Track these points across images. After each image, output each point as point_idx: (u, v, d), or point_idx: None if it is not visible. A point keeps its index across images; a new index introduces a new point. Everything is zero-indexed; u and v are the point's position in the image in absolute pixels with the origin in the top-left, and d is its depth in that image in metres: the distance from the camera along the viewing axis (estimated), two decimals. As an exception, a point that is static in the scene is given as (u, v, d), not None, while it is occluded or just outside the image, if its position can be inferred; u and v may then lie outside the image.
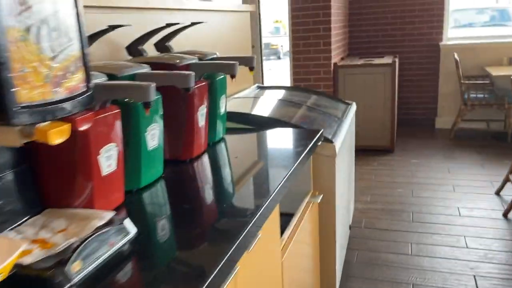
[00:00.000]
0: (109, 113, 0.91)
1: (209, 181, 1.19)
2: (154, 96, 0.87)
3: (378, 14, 5.03)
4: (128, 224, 0.83)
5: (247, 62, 1.45)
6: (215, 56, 1.48)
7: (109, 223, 0.82)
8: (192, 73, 1.04)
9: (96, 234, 0.76)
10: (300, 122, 1.89)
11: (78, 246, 0.72)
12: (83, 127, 0.74)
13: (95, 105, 0.89)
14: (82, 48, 0.74)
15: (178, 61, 1.26)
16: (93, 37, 1.07)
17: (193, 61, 1.29)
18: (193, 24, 1.48)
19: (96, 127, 0.88)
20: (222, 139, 1.56)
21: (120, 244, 0.80)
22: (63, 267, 0.68)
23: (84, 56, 0.75)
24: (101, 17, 1.37)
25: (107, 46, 1.39)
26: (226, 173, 1.25)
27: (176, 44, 1.58)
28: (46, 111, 0.66)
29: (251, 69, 1.45)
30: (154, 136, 1.11)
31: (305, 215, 1.54)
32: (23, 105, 0.63)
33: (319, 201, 1.61)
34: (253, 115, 1.83)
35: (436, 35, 4.87)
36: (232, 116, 1.80)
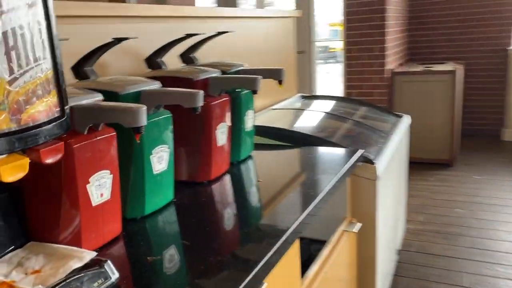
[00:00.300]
0: (100, 137, 0.82)
1: (222, 210, 1.06)
2: (145, 120, 0.77)
3: (440, 17, 4.69)
4: (109, 267, 0.73)
5: (275, 75, 1.31)
6: (242, 68, 1.36)
7: (88, 266, 0.72)
8: (200, 92, 0.93)
9: (65, 282, 0.66)
10: (341, 139, 1.72)
11: (39, 298, 0.62)
12: (50, 159, 0.65)
13: (82, 129, 0.80)
14: (56, 67, 0.65)
15: (196, 75, 1.15)
16: (98, 51, 0.99)
17: (212, 75, 1.18)
18: (220, 33, 1.38)
19: (84, 153, 0.79)
20: (249, 158, 1.44)
21: (97, 292, 0.69)
22: (16, 325, 0.58)
23: (58, 77, 0.65)
24: (132, 27, 1.30)
25: (128, 58, 1.31)
26: (244, 200, 1.12)
27: (209, 54, 1.48)
28: (0, 143, 0.57)
29: (280, 82, 1.32)
30: (161, 158, 1.00)
31: (339, 245, 1.37)
32: (-31, 137, 0.54)
33: (356, 230, 1.44)
34: (288, 130, 1.69)
35: (505, 39, 4.45)
36: (265, 130, 1.67)
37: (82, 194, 0.80)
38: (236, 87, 1.22)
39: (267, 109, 2.15)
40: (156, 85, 0.99)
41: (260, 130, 1.68)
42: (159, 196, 1.03)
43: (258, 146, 1.59)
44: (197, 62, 1.38)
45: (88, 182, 0.81)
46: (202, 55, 1.43)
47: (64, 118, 0.66)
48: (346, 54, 4.19)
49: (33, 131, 0.61)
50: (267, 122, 1.85)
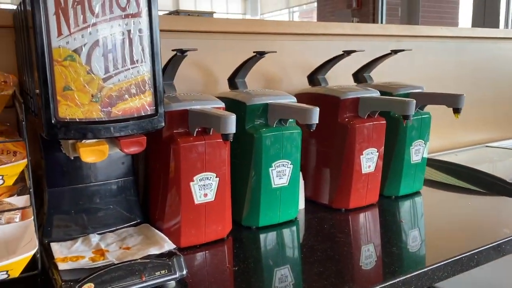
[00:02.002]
0: (208, 141, 0.87)
1: (342, 243, 0.96)
2: (233, 128, 0.77)
3: None
4: (178, 263, 0.76)
5: (450, 101, 1.10)
6: (415, 91, 1.20)
7: (163, 255, 0.77)
8: (315, 109, 0.86)
9: (130, 263, 0.73)
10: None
11: (102, 268, 0.71)
12: (130, 150, 0.73)
13: (192, 131, 0.86)
14: (154, 71, 0.73)
15: (343, 93, 1.08)
16: (245, 67, 1.05)
17: (361, 95, 1.08)
18: (394, 52, 1.24)
19: (189, 152, 0.86)
20: (415, 194, 1.24)
21: (157, 281, 0.74)
22: (75, 284, 0.68)
23: (155, 80, 0.73)
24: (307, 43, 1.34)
25: (300, 72, 1.33)
26: (372, 238, 0.99)
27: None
28: (88, 129, 0.68)
29: (456, 111, 1.10)
30: (282, 173, 0.99)
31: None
32: (63, 121, 0.67)
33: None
34: (482, 172, 1.38)
35: None
36: (453, 168, 1.42)
37: (185, 190, 0.87)
38: (387, 110, 1.08)
39: (481, 146, 1.81)
40: (284, 99, 0.98)
41: (448, 168, 1.44)
42: (277, 211, 1.01)
43: (440, 185, 1.37)
44: (369, 82, 1.29)
45: (192, 180, 0.87)
46: (387, 76, 1.33)
47: (155, 117, 0.74)
48: None
49: (121, 123, 0.71)
50: (468, 159, 1.56)
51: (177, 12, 6.23)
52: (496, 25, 4.17)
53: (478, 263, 0.87)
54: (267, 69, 1.29)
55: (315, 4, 8.67)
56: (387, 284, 0.75)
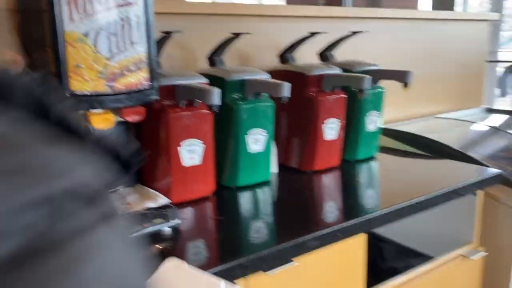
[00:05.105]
0: (194, 112, 1.01)
1: (306, 197, 1.13)
2: (217, 100, 0.92)
3: None
4: (172, 213, 0.91)
5: (399, 76, 1.27)
6: (371, 68, 1.36)
7: (159, 208, 0.92)
8: (285, 84, 1.02)
9: (131, 214, 0.87)
10: (495, 158, 1.52)
11: (110, 217, 0.85)
12: (131, 118, 0.86)
13: (180, 103, 1.00)
14: (149, 51, 0.86)
15: (309, 71, 1.23)
16: (223, 46, 1.18)
17: (324, 72, 1.24)
18: (353, 33, 1.41)
19: (176, 121, 0.99)
20: (371, 159, 1.43)
21: (155, 227, 0.88)
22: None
23: (150, 58, 0.86)
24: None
25: (269, 52, 1.47)
26: (331, 193, 1.16)
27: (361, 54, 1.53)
28: (95, 100, 0.81)
29: (405, 85, 1.27)
30: (257, 140, 1.14)
31: (446, 267, 1.25)
32: (75, 93, 0.79)
33: (476, 258, 1.27)
34: (426, 138, 1.58)
35: None
36: (402, 135, 1.62)
37: (173, 153, 1.01)
38: (346, 85, 1.24)
39: (431, 117, 2.02)
40: (260, 76, 1.12)
41: (401, 136, 1.64)
42: (254, 173, 1.17)
43: (393, 151, 1.56)
44: (332, 60, 1.45)
45: (179, 145, 1.01)
46: (350, 54, 1.48)
47: (151, 90, 0.87)
48: None
49: (122, 95, 0.84)
50: (420, 129, 1.76)
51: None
52: (451, 8, 4.40)
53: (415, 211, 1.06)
54: (242, 48, 1.42)
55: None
56: (343, 225, 0.92)
